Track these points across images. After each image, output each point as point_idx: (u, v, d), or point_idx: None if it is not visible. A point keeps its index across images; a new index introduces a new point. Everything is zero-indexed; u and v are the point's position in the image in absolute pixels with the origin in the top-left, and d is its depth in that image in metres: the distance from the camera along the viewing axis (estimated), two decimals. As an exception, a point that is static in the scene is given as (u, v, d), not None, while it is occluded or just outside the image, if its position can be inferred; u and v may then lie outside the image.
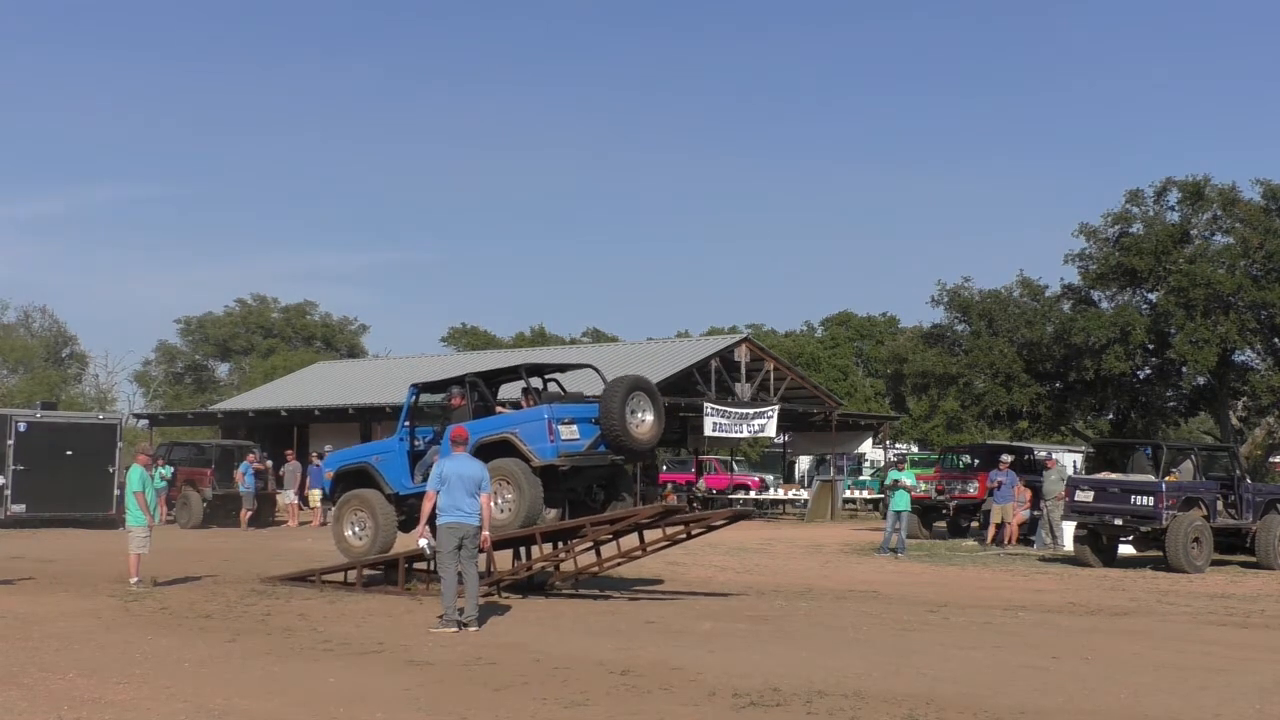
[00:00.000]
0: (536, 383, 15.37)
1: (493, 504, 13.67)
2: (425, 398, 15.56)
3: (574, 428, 14.11)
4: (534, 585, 14.85)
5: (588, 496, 15.21)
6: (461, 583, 11.63)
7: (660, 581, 16.52)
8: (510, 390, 17.14)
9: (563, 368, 16.19)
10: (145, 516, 14.99)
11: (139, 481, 15.08)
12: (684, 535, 14.80)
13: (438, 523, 11.79)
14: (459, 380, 15.11)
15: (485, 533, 11.94)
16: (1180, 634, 12.33)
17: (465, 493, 11.69)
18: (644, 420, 14.45)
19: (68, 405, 49.53)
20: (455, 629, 11.37)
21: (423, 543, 12.33)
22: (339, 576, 15.08)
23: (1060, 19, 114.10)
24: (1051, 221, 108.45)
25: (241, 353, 69.91)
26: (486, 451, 13.93)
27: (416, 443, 14.94)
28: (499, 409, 15.05)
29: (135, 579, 14.75)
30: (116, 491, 27.10)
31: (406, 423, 14.89)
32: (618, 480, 15.25)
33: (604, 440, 14.21)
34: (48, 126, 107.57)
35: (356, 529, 15.05)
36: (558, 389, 15.58)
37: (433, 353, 57.18)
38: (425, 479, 13.62)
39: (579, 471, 14.54)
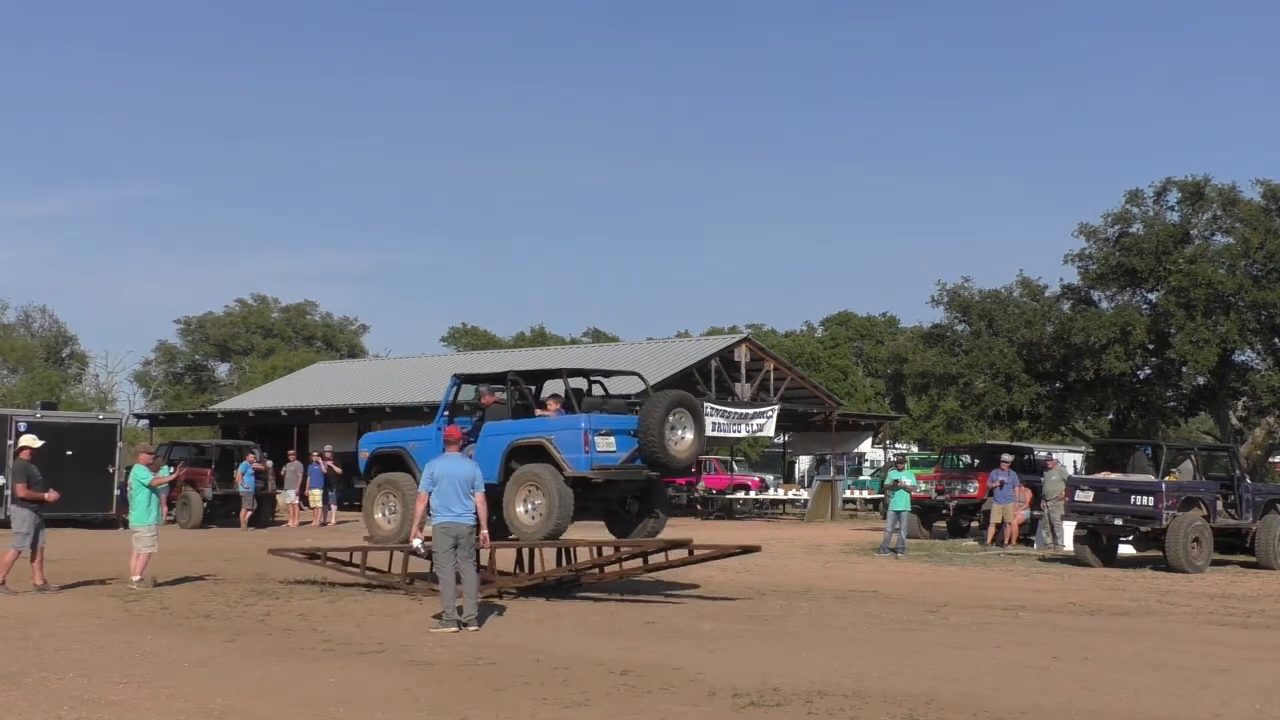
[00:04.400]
0: (578, 382, 15.05)
1: (522, 509, 13.67)
2: (467, 390, 15.34)
3: (611, 439, 13.77)
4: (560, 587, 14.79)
5: (621, 507, 14.91)
6: (460, 582, 11.62)
7: (660, 582, 16.51)
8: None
9: (608, 373, 15.97)
10: (151, 514, 15.03)
11: (145, 475, 15.12)
12: (690, 559, 14.73)
13: (431, 523, 11.76)
14: (500, 377, 14.95)
15: (484, 532, 11.90)
16: (1180, 634, 12.33)
17: (457, 493, 11.62)
18: (684, 438, 14.09)
19: (68, 405, 49.48)
20: (455, 629, 11.37)
21: (416, 543, 12.33)
22: (344, 556, 15.35)
23: (1060, 19, 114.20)
24: (1051, 221, 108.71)
25: (241, 353, 69.95)
26: (521, 454, 13.80)
27: None
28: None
29: (137, 578, 14.76)
30: (117, 491, 27.08)
31: (445, 413, 14.65)
32: (653, 494, 14.88)
33: (641, 455, 13.90)
34: (48, 126, 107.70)
35: (386, 512, 14.95)
36: (600, 389, 15.32)
37: (433, 353, 57.22)
38: None
39: (613, 483, 14.27)
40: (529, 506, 13.74)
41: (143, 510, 15.11)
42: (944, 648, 10.90)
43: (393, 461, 15.12)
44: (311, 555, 15.79)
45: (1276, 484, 27.96)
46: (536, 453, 13.81)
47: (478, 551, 12.03)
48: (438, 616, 11.68)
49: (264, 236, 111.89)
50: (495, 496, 13.83)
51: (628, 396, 15.05)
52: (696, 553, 14.39)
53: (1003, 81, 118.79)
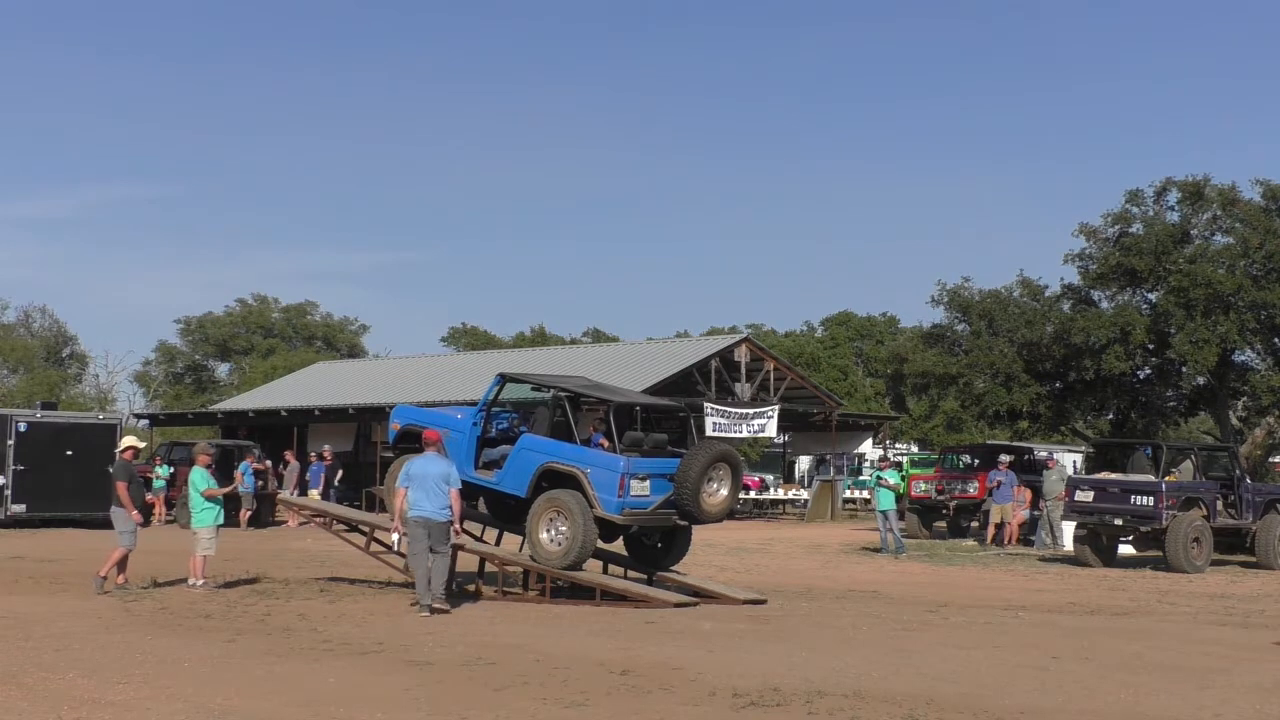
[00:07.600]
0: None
1: (545, 534, 13.65)
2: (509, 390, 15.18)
3: (646, 484, 13.54)
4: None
5: (644, 537, 14.72)
6: (431, 569, 12.60)
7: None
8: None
9: (658, 406, 15.74)
10: (212, 515, 14.93)
11: (203, 482, 14.96)
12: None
13: (408, 516, 12.59)
14: (548, 388, 14.85)
15: (457, 525, 12.89)
16: (1180, 634, 12.34)
17: (432, 490, 12.55)
18: (719, 492, 13.87)
19: (68, 405, 49.37)
20: (428, 613, 12.30)
21: (395, 536, 13.32)
22: (351, 519, 16.00)
23: (1060, 19, 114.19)
24: (1051, 221, 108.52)
25: (241, 353, 69.86)
26: (553, 478, 13.63)
27: (489, 429, 14.61)
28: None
29: (200, 580, 14.61)
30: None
31: (483, 410, 14.52)
32: (678, 539, 14.68)
33: (674, 503, 13.71)
34: (48, 126, 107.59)
35: None
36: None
37: (433, 353, 57.21)
38: (487, 469, 14.10)
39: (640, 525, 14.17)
40: (553, 533, 13.57)
41: (199, 512, 14.99)
42: (944, 648, 10.91)
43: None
44: (320, 514, 16.43)
45: (1276, 484, 27.97)
46: (569, 480, 13.57)
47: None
48: (414, 604, 12.64)
49: (264, 236, 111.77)
50: (521, 510, 14.03)
51: (665, 442, 14.47)
52: (702, 601, 14.07)
53: (1002, 82, 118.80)
